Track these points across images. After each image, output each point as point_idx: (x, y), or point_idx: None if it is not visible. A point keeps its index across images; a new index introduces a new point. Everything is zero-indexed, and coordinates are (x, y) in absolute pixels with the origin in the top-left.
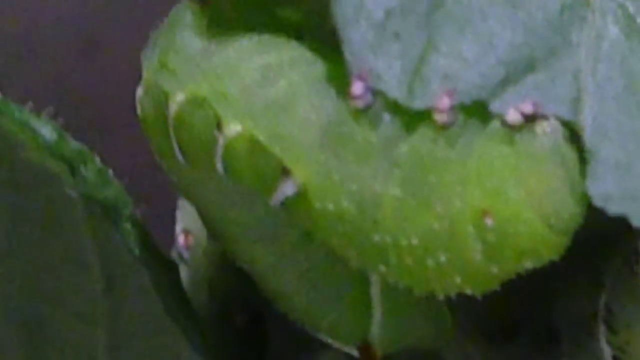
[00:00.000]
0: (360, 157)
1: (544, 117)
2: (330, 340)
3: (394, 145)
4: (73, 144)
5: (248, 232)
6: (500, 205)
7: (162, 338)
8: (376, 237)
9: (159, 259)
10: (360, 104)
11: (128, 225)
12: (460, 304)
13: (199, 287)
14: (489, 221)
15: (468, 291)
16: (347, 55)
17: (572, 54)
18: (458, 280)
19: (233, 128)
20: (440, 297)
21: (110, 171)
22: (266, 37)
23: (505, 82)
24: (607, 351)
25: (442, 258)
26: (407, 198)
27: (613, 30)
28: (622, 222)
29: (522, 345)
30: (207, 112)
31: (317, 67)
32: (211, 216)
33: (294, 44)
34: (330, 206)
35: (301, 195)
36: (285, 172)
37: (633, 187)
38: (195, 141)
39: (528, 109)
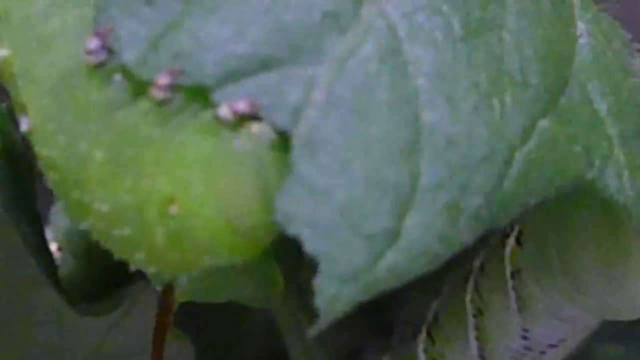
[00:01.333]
0: (78, 112)
1: (256, 120)
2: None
3: (114, 110)
4: None
5: None
6: (185, 196)
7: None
8: (78, 194)
9: (6, 151)
10: (92, 59)
11: None
12: None
13: None
14: (173, 209)
15: (153, 270)
16: (94, 9)
17: (316, 63)
18: (141, 257)
19: (2, 51)
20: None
21: None
22: None
23: (235, 75)
24: (421, 358)
25: (127, 232)
26: (107, 165)
27: (367, 50)
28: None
29: (355, 328)
30: None
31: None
32: None
33: None
34: (45, 152)
35: (29, 134)
36: (23, 108)
37: (319, 215)
38: None
39: (242, 107)
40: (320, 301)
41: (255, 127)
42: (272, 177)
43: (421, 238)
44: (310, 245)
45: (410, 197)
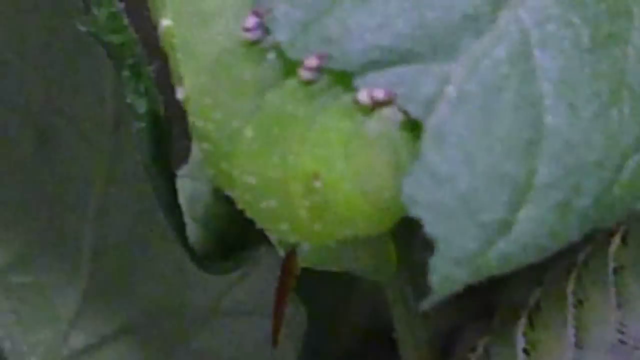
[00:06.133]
0: (233, 90)
1: (390, 107)
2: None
3: (265, 89)
4: None
5: None
6: (327, 172)
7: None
8: (227, 167)
9: (151, 113)
10: (248, 36)
11: (126, 73)
12: None
13: None
14: (317, 183)
15: (293, 240)
16: None
17: (451, 61)
18: (285, 227)
19: (165, 22)
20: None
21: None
22: None
23: (375, 64)
24: (520, 342)
25: (273, 204)
26: (256, 142)
27: (500, 52)
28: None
29: (460, 307)
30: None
31: None
32: None
33: None
34: (200, 124)
35: (184, 104)
36: (179, 78)
37: (441, 200)
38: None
39: (379, 94)
40: (434, 280)
41: (387, 111)
42: (403, 157)
43: (532, 231)
44: (430, 228)
45: (526, 192)
